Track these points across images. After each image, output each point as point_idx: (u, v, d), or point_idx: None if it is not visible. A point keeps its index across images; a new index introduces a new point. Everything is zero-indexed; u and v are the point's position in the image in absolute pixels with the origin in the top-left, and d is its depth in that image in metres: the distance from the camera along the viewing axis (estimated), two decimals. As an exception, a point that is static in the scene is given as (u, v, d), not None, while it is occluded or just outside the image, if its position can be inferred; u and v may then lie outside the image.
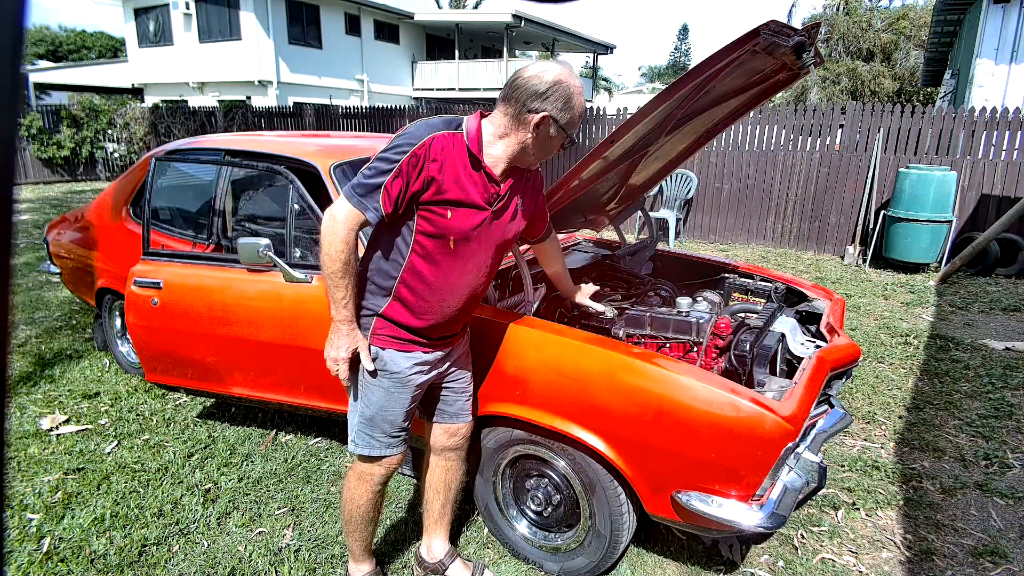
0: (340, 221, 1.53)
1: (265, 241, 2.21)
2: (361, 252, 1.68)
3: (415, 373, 1.70)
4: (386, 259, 1.62)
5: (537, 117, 1.51)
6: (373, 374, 1.68)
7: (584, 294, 2.26)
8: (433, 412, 1.92)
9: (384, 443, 1.75)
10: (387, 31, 20.23)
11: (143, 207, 3.21)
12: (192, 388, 2.70)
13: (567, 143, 1.60)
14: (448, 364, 1.83)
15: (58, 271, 4.00)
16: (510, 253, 2.14)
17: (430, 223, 1.55)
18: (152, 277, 2.58)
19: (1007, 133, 6.43)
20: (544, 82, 1.49)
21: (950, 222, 6.22)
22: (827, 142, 7.39)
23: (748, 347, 2.02)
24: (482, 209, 1.59)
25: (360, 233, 1.58)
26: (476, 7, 28.17)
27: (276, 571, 2.08)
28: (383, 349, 1.67)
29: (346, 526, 1.89)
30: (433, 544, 2.03)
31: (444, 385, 1.87)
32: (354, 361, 1.66)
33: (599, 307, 2.27)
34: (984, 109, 6.52)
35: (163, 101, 15.87)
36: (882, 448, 2.93)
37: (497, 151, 1.58)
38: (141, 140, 14.01)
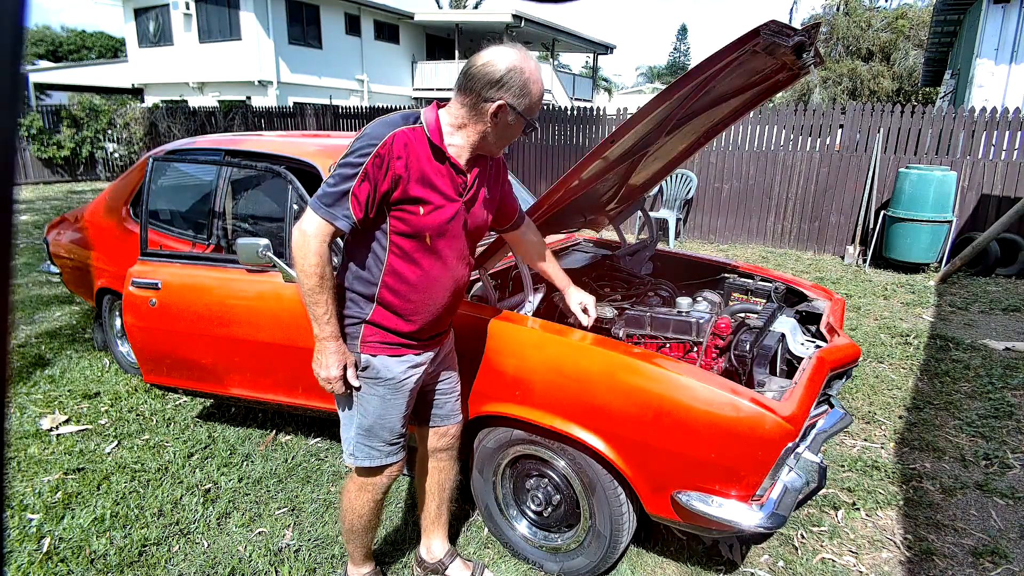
0: (311, 235, 1.48)
1: (264, 241, 2.21)
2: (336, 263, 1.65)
3: (408, 377, 1.69)
4: (364, 266, 1.59)
5: (494, 106, 1.48)
6: (360, 387, 1.65)
7: (575, 298, 2.03)
8: (426, 417, 1.90)
9: (385, 452, 1.72)
10: (387, 31, 20.23)
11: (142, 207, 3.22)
12: (191, 389, 2.70)
13: (528, 129, 1.57)
14: (436, 365, 1.81)
15: (58, 271, 3.99)
16: (510, 253, 2.14)
17: (404, 223, 1.53)
18: (150, 278, 2.57)
19: (1007, 133, 6.43)
20: (499, 69, 1.45)
21: (950, 222, 6.21)
22: (827, 142, 7.39)
23: (748, 347, 2.02)
24: (453, 201, 1.57)
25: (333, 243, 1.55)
26: (476, 7, 28.17)
27: (276, 571, 2.08)
28: (374, 356, 1.63)
29: (347, 534, 1.87)
30: (432, 544, 2.03)
31: (435, 388, 1.86)
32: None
33: (584, 319, 2.00)
34: (984, 109, 6.52)
35: (163, 101, 15.86)
36: (882, 448, 2.93)
37: (459, 141, 1.56)
38: (141, 140, 14.01)
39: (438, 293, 1.64)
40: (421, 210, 1.52)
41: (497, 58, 1.46)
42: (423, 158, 1.51)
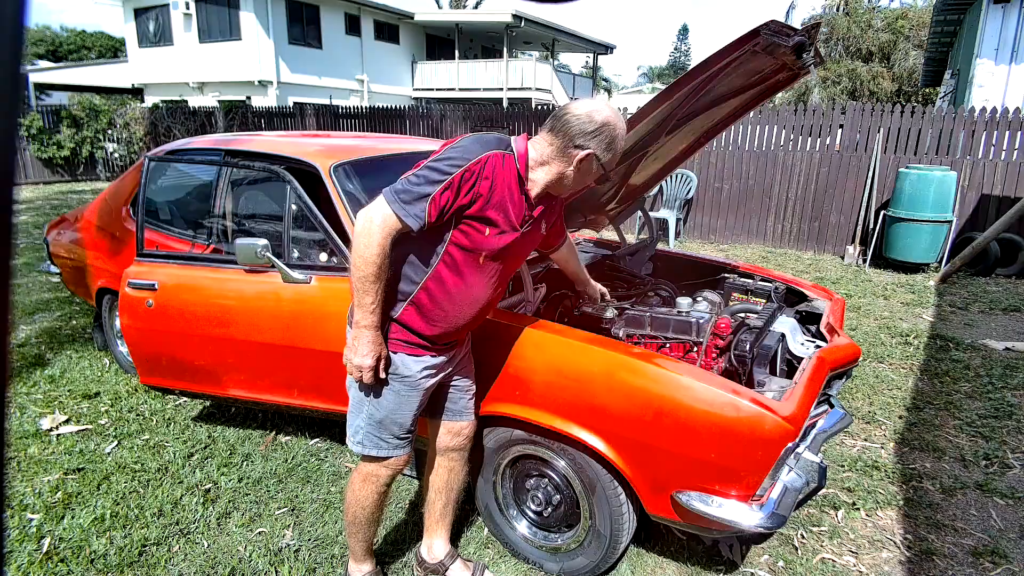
0: (377, 225, 1.50)
1: (263, 242, 2.21)
2: None
3: (424, 377, 1.72)
4: (411, 265, 1.63)
5: (583, 154, 1.55)
6: (384, 380, 1.69)
7: (597, 289, 2.33)
8: (438, 410, 1.92)
9: (393, 444, 1.76)
10: (387, 31, 20.23)
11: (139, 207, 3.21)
12: (188, 390, 2.69)
13: (601, 180, 1.66)
14: (452, 367, 1.84)
15: (58, 271, 3.99)
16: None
17: (467, 237, 1.57)
18: (146, 279, 2.56)
19: (1007, 133, 6.43)
20: (594, 122, 1.53)
21: (950, 222, 6.22)
22: (827, 142, 7.39)
23: (748, 347, 2.02)
24: (515, 230, 1.62)
25: None
26: (476, 7, 28.17)
27: (276, 571, 2.08)
28: (395, 353, 1.68)
29: (349, 527, 1.89)
30: (434, 544, 2.03)
31: (451, 384, 1.89)
32: None
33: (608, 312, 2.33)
34: (984, 109, 6.52)
35: (163, 101, 15.85)
36: (882, 448, 2.93)
37: (537, 176, 1.62)
38: (141, 140, 14.01)
39: (469, 308, 1.68)
40: (487, 231, 1.57)
41: (595, 112, 1.54)
42: (507, 185, 1.57)
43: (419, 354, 1.69)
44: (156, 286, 2.54)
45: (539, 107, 9.59)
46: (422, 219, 1.50)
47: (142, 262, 2.63)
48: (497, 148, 1.56)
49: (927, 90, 19.29)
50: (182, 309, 2.51)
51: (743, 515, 1.63)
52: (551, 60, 23.38)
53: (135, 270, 2.60)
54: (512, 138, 1.62)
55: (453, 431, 1.93)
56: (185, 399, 3.30)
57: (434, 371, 1.75)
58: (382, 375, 1.66)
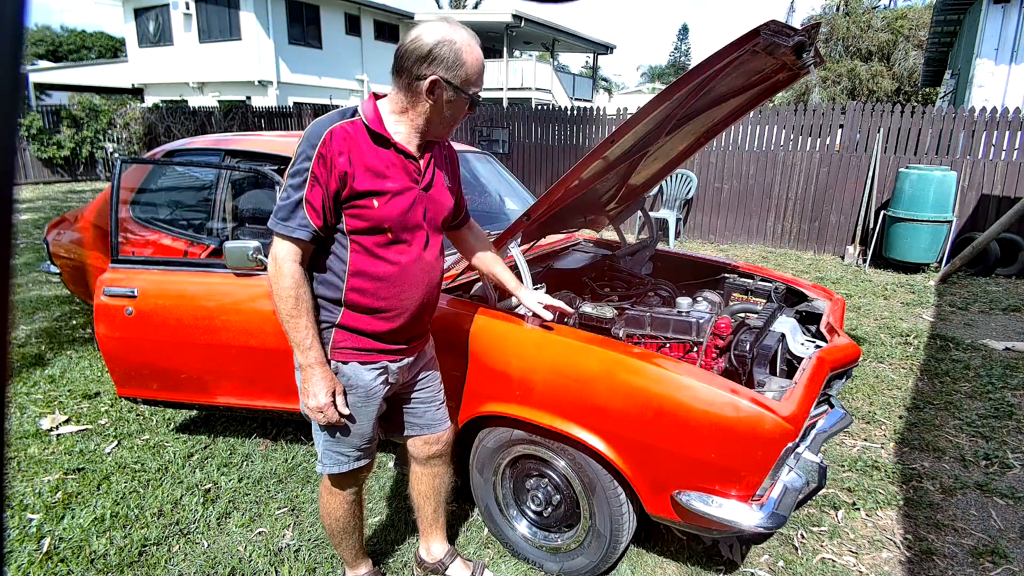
0: (281, 258, 1.46)
1: (255, 243, 2.18)
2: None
3: (380, 384, 1.64)
4: (327, 269, 1.54)
5: (427, 83, 1.43)
6: (347, 409, 1.60)
7: (532, 298, 1.89)
8: (403, 427, 1.86)
9: (354, 457, 1.69)
10: (387, 31, 20.24)
11: (142, 207, 3.21)
12: (172, 401, 2.59)
13: (471, 105, 1.49)
14: (413, 374, 1.78)
15: (58, 271, 3.99)
16: (510, 253, 2.13)
17: (360, 219, 1.48)
18: (124, 286, 2.46)
19: (1007, 133, 6.43)
20: (427, 44, 1.40)
21: (950, 222, 6.22)
22: (827, 142, 7.39)
23: (748, 347, 2.02)
24: (409, 188, 1.52)
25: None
26: (476, 7, 28.17)
27: (276, 571, 2.08)
28: (344, 363, 1.59)
29: (331, 538, 1.86)
30: (432, 546, 2.03)
31: (411, 396, 1.82)
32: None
33: (548, 314, 1.87)
34: (984, 109, 6.52)
35: (163, 101, 15.87)
36: (882, 448, 2.93)
37: (404, 128, 1.52)
38: (141, 140, 14.01)
39: (411, 288, 1.59)
40: (375, 202, 1.47)
41: (425, 33, 1.42)
42: (366, 149, 1.46)
43: (374, 360, 1.61)
44: (135, 293, 2.44)
45: (539, 107, 9.58)
46: (309, 226, 1.44)
47: (118, 268, 2.51)
48: (340, 120, 1.46)
49: (927, 90, 19.28)
50: (166, 316, 2.41)
51: (743, 515, 1.63)
52: (551, 60, 23.38)
53: (111, 277, 2.49)
54: (358, 104, 1.52)
55: (430, 442, 1.89)
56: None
57: (393, 378, 1.67)
58: (346, 411, 1.58)
